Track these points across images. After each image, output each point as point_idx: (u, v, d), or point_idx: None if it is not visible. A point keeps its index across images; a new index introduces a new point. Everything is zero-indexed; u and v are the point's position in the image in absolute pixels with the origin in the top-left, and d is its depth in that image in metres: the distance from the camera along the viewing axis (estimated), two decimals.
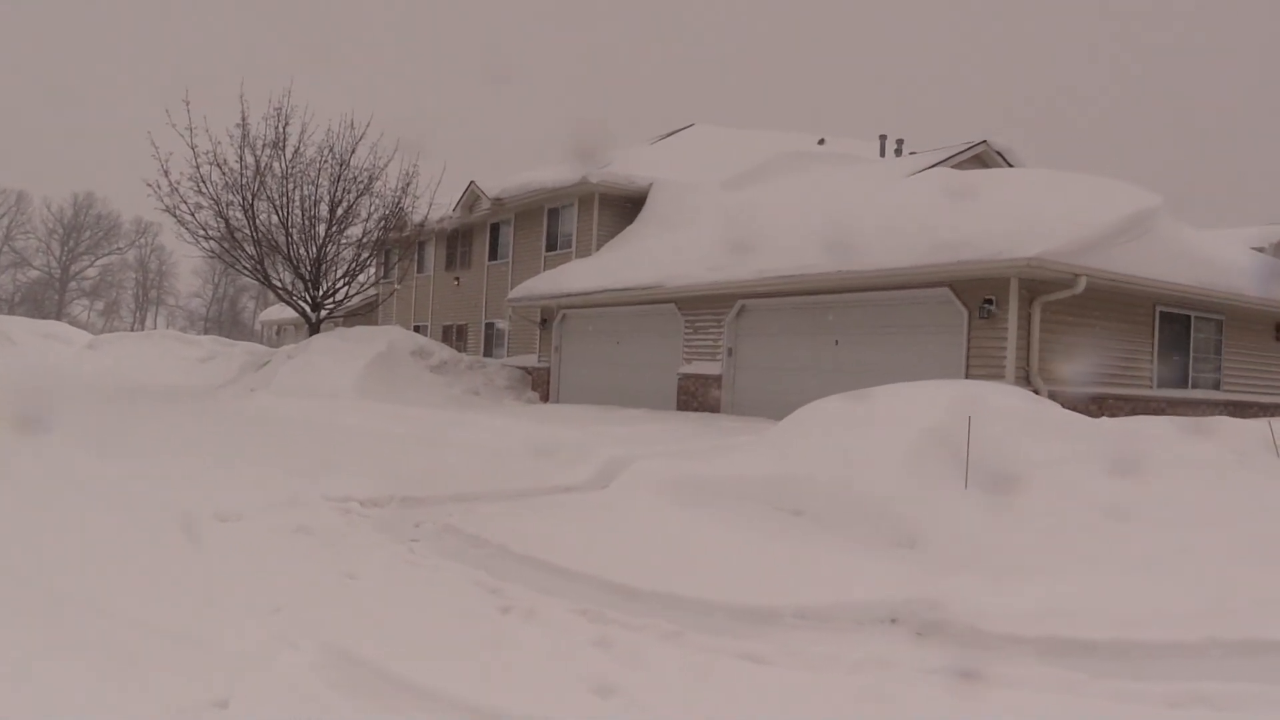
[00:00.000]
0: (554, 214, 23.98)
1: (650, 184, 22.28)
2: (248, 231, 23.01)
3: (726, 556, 6.56)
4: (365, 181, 23.71)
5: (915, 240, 13.05)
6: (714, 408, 16.96)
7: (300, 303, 24.23)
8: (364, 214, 24.07)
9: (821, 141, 26.71)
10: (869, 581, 5.81)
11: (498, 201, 24.86)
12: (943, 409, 8.34)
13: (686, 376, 17.76)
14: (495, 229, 26.56)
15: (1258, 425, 10.16)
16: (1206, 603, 5.72)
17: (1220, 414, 13.40)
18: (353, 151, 23.40)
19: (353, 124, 23.58)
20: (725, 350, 17.03)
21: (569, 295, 20.22)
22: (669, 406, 17.85)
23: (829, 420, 8.92)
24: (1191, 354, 15.26)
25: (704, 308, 17.46)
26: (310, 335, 23.81)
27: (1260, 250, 22.06)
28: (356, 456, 10.99)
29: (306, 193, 23.37)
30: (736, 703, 4.19)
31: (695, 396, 17.49)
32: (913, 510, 7.04)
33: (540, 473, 9.79)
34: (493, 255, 26.67)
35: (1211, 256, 14.96)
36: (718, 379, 17.04)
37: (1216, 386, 15.75)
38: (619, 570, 6.04)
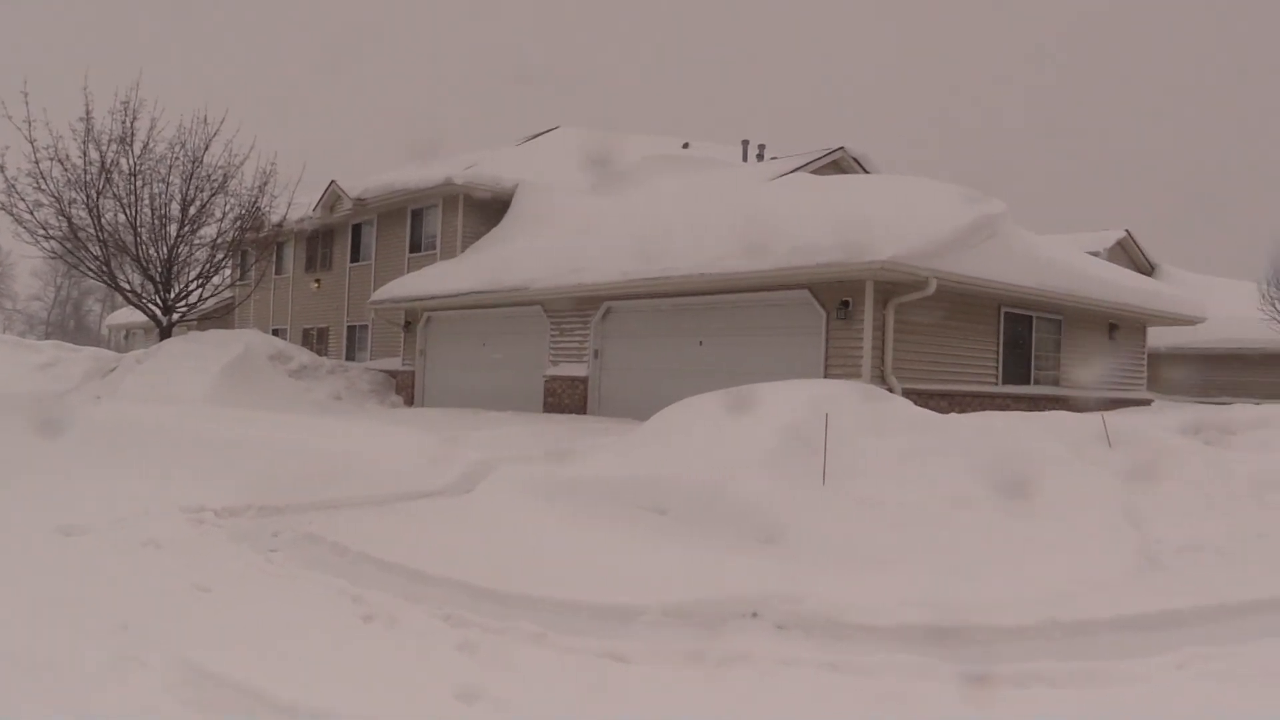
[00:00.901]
0: (418, 215, 23.61)
1: (516, 185, 22.18)
2: (92, 231, 21.85)
3: (592, 557, 6.60)
4: (220, 180, 22.82)
5: (776, 243, 13.36)
6: (580, 409, 16.99)
7: (150, 306, 23.18)
8: (219, 213, 23.14)
9: (686, 146, 27.06)
10: (731, 577, 5.94)
11: (359, 202, 24.33)
12: (802, 408, 8.57)
13: (553, 378, 17.75)
14: (357, 230, 25.98)
15: (1092, 419, 10.78)
16: (1047, 587, 6.06)
17: (1059, 409, 14.15)
18: (206, 148, 22.48)
19: (206, 119, 22.66)
20: (591, 352, 17.08)
21: (434, 297, 19.94)
22: (535, 409, 17.81)
23: (693, 420, 9.06)
24: (1033, 352, 16.07)
25: (570, 310, 17.48)
26: (161, 339, 22.79)
27: (1095, 254, 23.42)
28: (211, 465, 10.59)
29: (156, 191, 22.32)
30: (600, 702, 4.23)
31: (562, 398, 17.49)
32: (773, 507, 7.22)
33: (404, 477, 9.63)
34: (355, 257, 26.08)
35: (1051, 260, 15.80)
36: (584, 381, 17.09)
37: (1056, 383, 16.63)
38: (484, 574, 6.00)
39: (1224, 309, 23.98)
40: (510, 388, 18.61)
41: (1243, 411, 13.27)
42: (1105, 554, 6.87)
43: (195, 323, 26.94)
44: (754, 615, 5.38)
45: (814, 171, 19.87)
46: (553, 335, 17.92)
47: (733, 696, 4.29)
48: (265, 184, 23.40)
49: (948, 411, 11.02)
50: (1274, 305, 24.18)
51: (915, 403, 10.31)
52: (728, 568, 6.23)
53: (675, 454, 8.34)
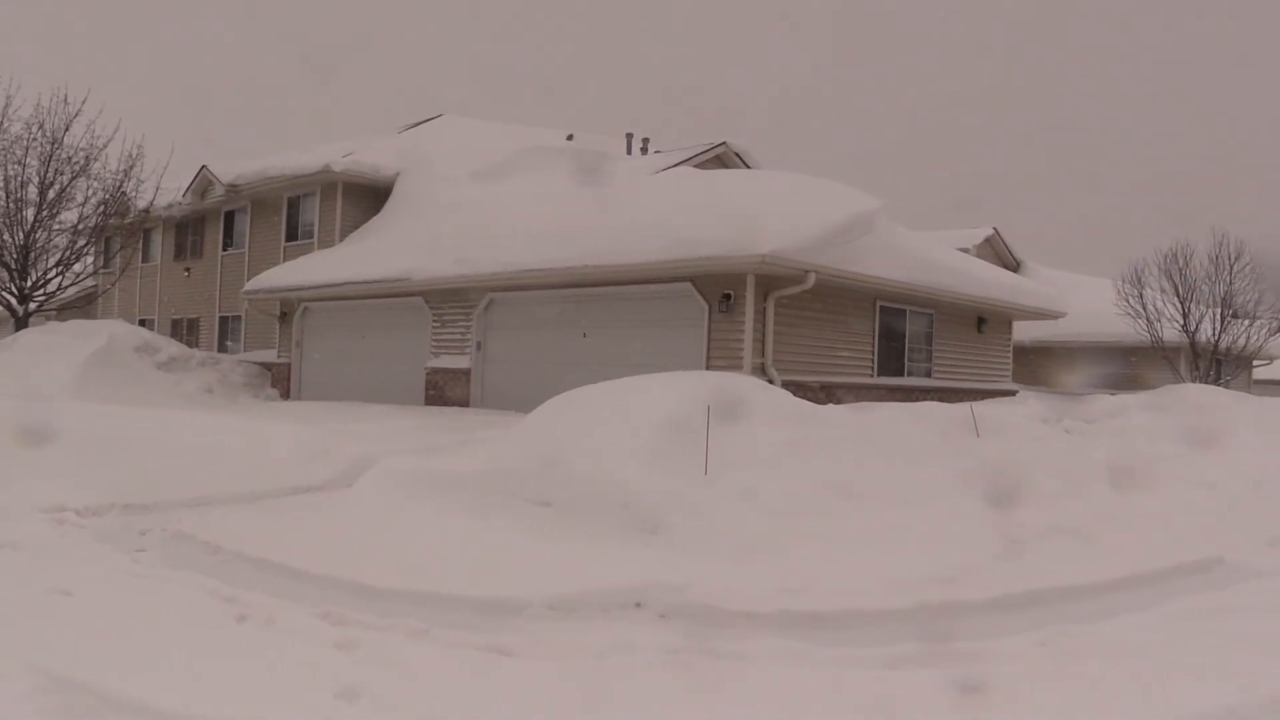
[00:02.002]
0: (295, 203, 22.97)
1: (397, 174, 21.80)
2: None
3: (475, 551, 6.54)
4: (81, 162, 21.78)
5: (660, 236, 13.46)
6: (463, 402, 16.82)
7: (5, 295, 21.99)
8: (80, 198, 22.11)
9: (570, 137, 26.98)
10: (615, 568, 5.97)
11: (233, 188, 23.53)
12: (684, 399, 8.66)
13: (435, 371, 17.52)
14: (230, 217, 25.13)
15: (962, 409, 11.19)
16: (919, 572, 6.27)
17: (931, 399, 14.64)
18: (66, 129, 21.43)
19: (66, 99, 21.57)
20: (474, 344, 16.92)
21: (311, 287, 19.44)
22: (417, 402, 17.55)
23: (576, 412, 9.07)
24: (907, 345, 16.59)
25: (452, 301, 17.28)
26: (17, 330, 21.63)
27: (965, 250, 24.27)
28: (73, 462, 10.10)
29: (12, 173, 21.17)
30: (482, 696, 4.20)
31: (444, 391, 17.28)
32: (656, 498, 7.28)
33: (280, 473, 9.38)
34: (227, 245, 25.22)
35: (924, 256, 16.31)
36: (466, 373, 16.91)
37: (928, 375, 17.20)
38: (364, 570, 5.89)
39: (1083, 304, 25.14)
40: (390, 381, 18.29)
41: (1099, 401, 13.96)
42: (973, 538, 7.15)
43: (54, 312, 25.69)
44: (638, 605, 5.42)
45: (697, 166, 20.06)
46: (434, 327, 17.68)
47: (615, 686, 4.31)
48: (131, 168, 22.45)
49: (825, 402, 11.30)
50: (1128, 301, 25.46)
51: (794, 394, 10.53)
52: (612, 559, 6.27)
53: (559, 446, 8.33)
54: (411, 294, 17.78)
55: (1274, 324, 26.01)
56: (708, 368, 13.20)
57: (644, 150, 25.57)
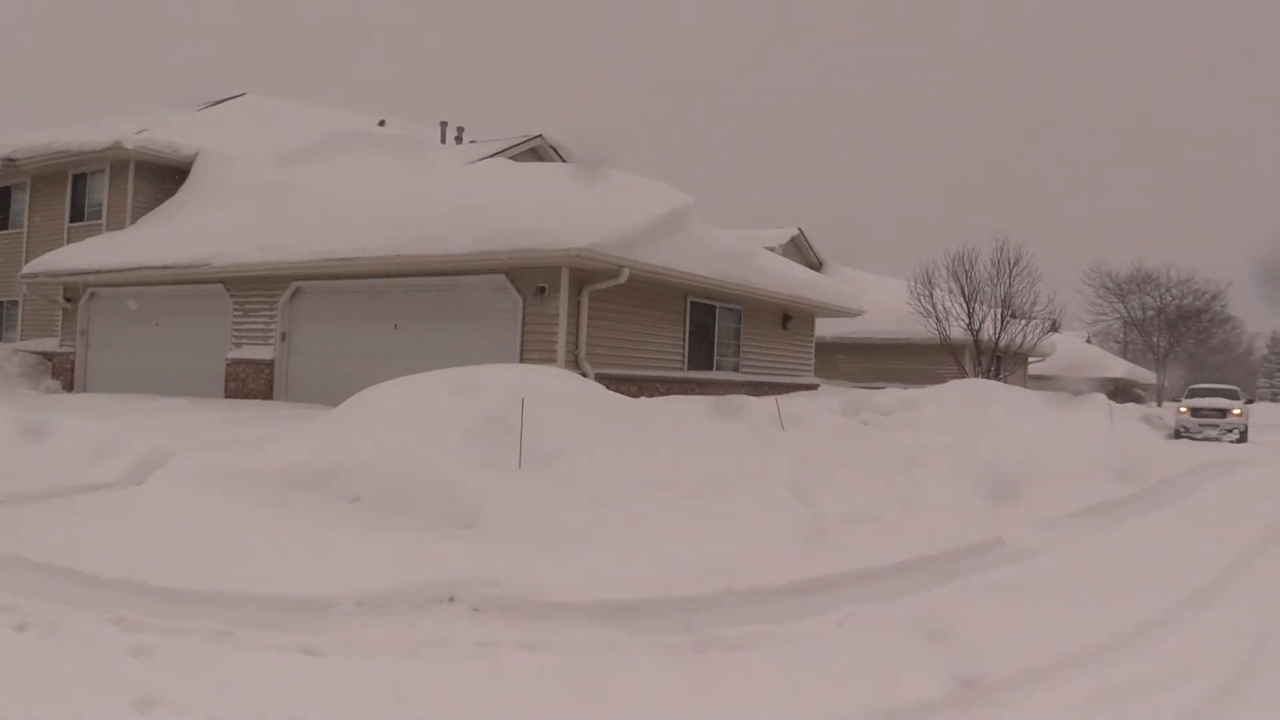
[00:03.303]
0: (81, 180, 21.43)
1: (196, 154, 20.68)
2: None
3: (280, 549, 6.33)
4: None
5: (474, 227, 13.33)
6: (267, 395, 16.17)
7: None
8: None
9: (382, 123, 26.34)
10: (427, 563, 5.90)
11: (9, 162, 21.71)
12: (498, 392, 8.63)
13: (236, 362, 16.76)
14: (6, 194, 23.22)
15: (768, 402, 11.62)
16: (727, 559, 6.49)
17: (740, 393, 15.12)
18: None
19: None
20: (279, 334, 16.29)
21: (99, 272, 18.19)
22: (217, 394, 16.74)
23: (387, 405, 8.89)
24: (716, 340, 17.06)
25: (256, 289, 16.57)
26: None
27: (772, 249, 25.14)
28: None
29: None
30: (288, 698, 4.08)
31: (246, 383, 16.56)
32: (470, 491, 7.24)
33: (65, 470, 8.76)
34: (3, 224, 23.30)
35: (733, 254, 16.80)
36: (270, 365, 16.27)
37: (736, 369, 17.74)
38: (160, 572, 5.60)
39: (881, 303, 26.53)
40: (187, 372, 17.37)
41: (894, 395, 14.77)
42: (778, 526, 7.45)
43: None
44: (451, 600, 5.38)
45: (513, 158, 19.98)
46: (236, 316, 16.92)
47: (425, 683, 4.28)
48: None
49: (638, 395, 11.50)
50: (919, 301, 27.01)
51: (608, 387, 10.66)
52: (424, 553, 6.19)
53: (368, 439, 8.15)
54: (211, 281, 16.94)
55: (1047, 324, 28.18)
56: (522, 360, 13.18)
57: (459, 139, 25.25)
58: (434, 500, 7.15)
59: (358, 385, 10.03)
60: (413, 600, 5.34)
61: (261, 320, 16.56)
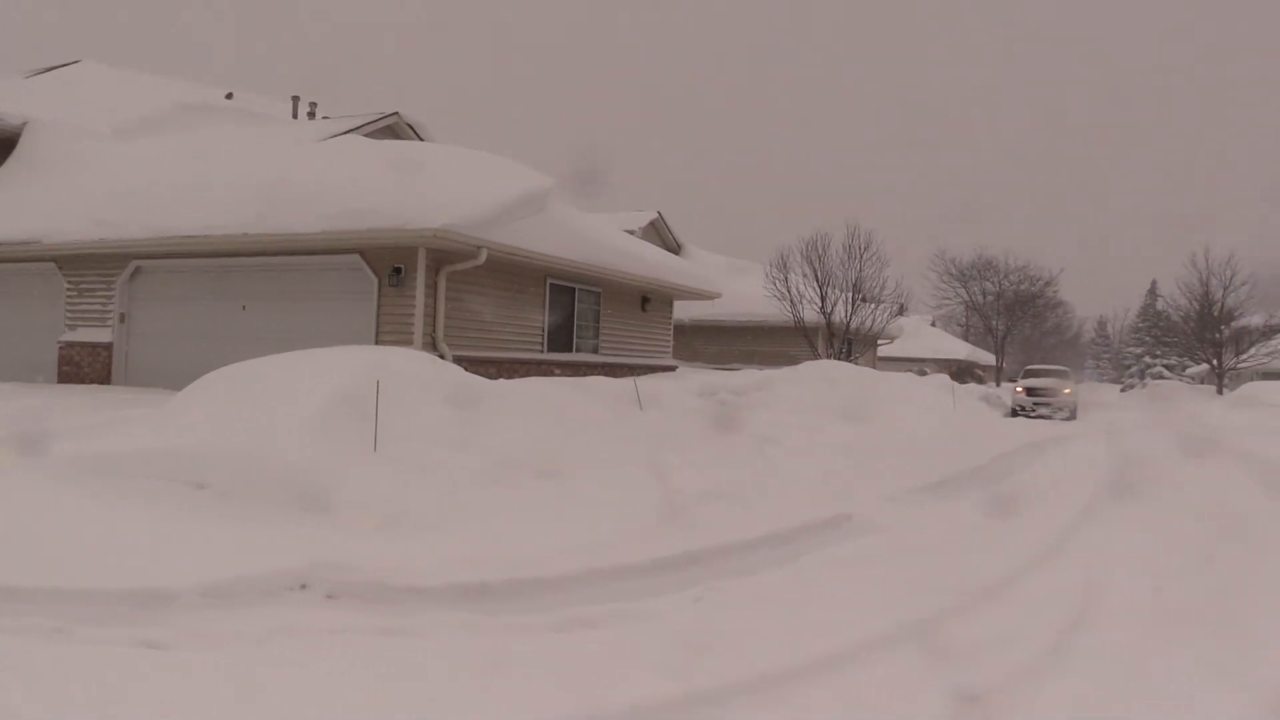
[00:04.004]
0: None
1: (24, 123, 19.38)
2: None
3: (120, 540, 6.04)
4: None
5: (327, 206, 12.97)
6: (105, 379, 15.38)
7: None
8: None
9: (230, 96, 25.26)
10: (278, 550, 5.73)
11: None
12: (352, 374, 8.43)
13: (70, 345, 15.87)
14: None
15: (626, 384, 11.71)
16: (588, 539, 6.53)
17: (599, 374, 15.19)
18: None
19: None
20: (118, 315, 15.51)
21: None
22: (49, 379, 15.81)
23: (234, 388, 8.57)
24: (576, 322, 17.08)
25: (92, 268, 15.72)
26: None
27: (631, 232, 25.29)
28: None
29: None
30: (128, 693, 3.91)
31: (82, 367, 15.71)
32: (323, 476, 7.06)
33: None
34: None
35: (594, 236, 16.85)
36: (109, 347, 15.48)
37: (596, 351, 17.81)
38: None
39: (738, 287, 27.05)
40: (16, 356, 16.37)
41: (749, 376, 15.10)
42: (636, 506, 7.54)
43: None
44: (303, 587, 5.25)
45: (368, 135, 19.45)
46: (70, 296, 16.02)
47: (275, 672, 4.16)
48: None
49: (497, 378, 11.41)
50: (775, 285, 27.66)
51: (466, 369, 10.55)
52: (274, 540, 6.01)
53: (215, 424, 7.85)
54: (41, 259, 15.98)
55: (895, 308, 29.27)
56: (378, 343, 12.93)
57: (311, 115, 24.43)
58: (284, 485, 6.94)
59: (204, 369, 9.63)
60: (262, 589, 5.19)
61: (98, 301, 15.73)
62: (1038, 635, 5.03)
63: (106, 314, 15.65)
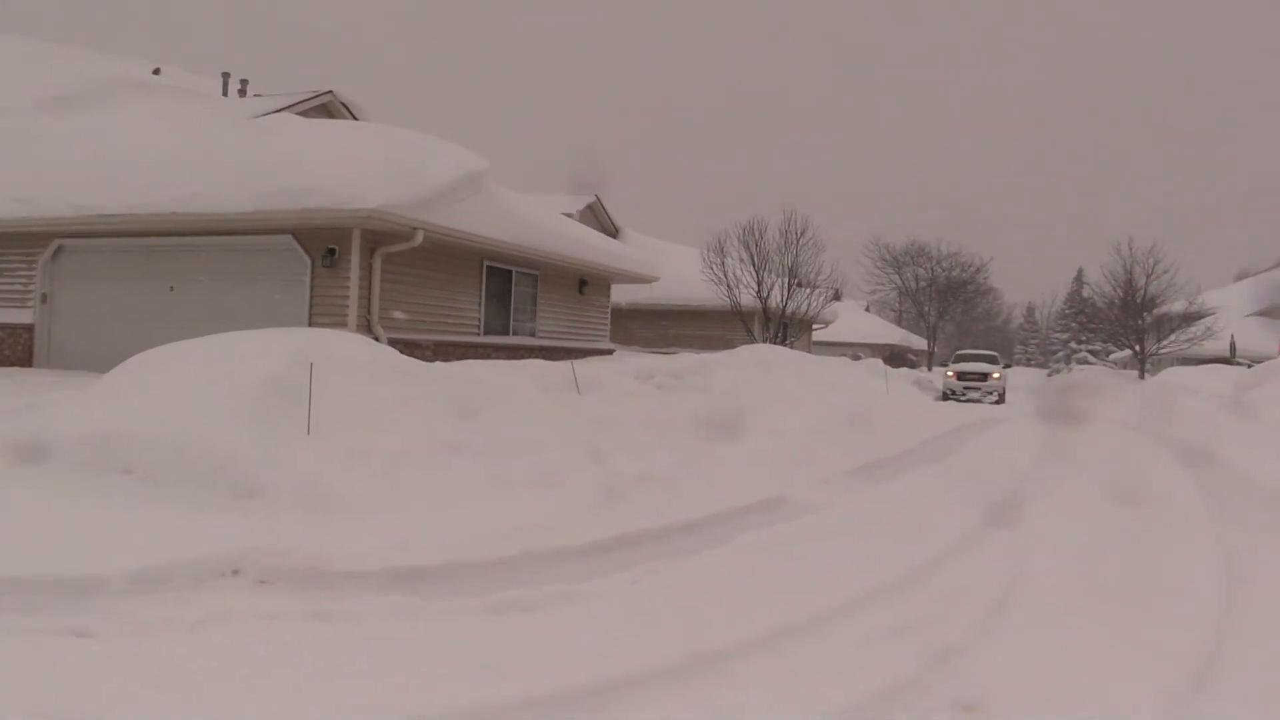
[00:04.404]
0: None
1: None
2: None
3: (43, 526, 5.89)
4: None
5: (259, 185, 12.72)
6: (26, 362, 14.96)
7: None
8: None
9: (157, 71, 24.65)
10: (209, 536, 5.64)
11: None
12: (284, 357, 8.29)
13: None
14: None
15: (564, 367, 11.69)
16: (525, 522, 6.53)
17: (537, 358, 15.15)
18: None
19: None
20: (39, 296, 15.07)
21: None
22: None
23: (161, 371, 8.39)
24: (513, 305, 16.99)
25: (11, 247, 15.24)
26: None
27: (569, 215, 25.20)
28: None
29: None
30: (54, 683, 3.82)
31: (1, 349, 15.25)
32: (255, 460, 6.95)
33: None
34: None
35: (531, 218, 16.75)
36: (30, 329, 15.05)
37: (533, 334, 17.75)
38: None
39: (675, 271, 27.12)
40: None
41: (686, 360, 15.17)
42: (575, 488, 7.54)
43: None
44: (235, 573, 5.18)
45: (302, 113, 19.11)
46: None
47: (208, 658, 4.10)
48: None
49: (433, 360, 11.32)
50: (712, 269, 27.78)
51: (402, 352, 10.45)
52: (205, 526, 5.91)
53: (143, 407, 7.68)
54: None
55: (830, 293, 29.59)
56: (311, 324, 12.75)
57: (243, 92, 23.94)
58: (215, 470, 6.82)
59: (130, 351, 9.41)
60: (193, 575, 5.10)
61: (18, 281, 15.28)
62: (970, 611, 5.16)
63: (28, 294, 15.20)
